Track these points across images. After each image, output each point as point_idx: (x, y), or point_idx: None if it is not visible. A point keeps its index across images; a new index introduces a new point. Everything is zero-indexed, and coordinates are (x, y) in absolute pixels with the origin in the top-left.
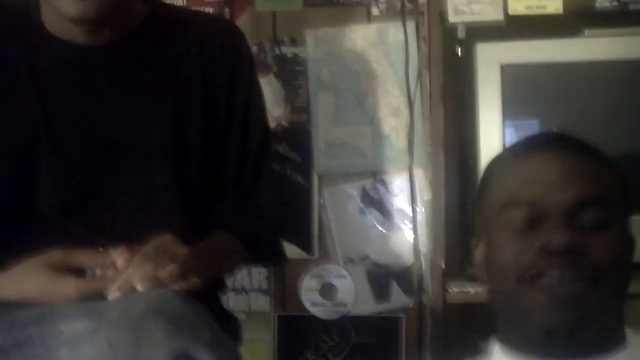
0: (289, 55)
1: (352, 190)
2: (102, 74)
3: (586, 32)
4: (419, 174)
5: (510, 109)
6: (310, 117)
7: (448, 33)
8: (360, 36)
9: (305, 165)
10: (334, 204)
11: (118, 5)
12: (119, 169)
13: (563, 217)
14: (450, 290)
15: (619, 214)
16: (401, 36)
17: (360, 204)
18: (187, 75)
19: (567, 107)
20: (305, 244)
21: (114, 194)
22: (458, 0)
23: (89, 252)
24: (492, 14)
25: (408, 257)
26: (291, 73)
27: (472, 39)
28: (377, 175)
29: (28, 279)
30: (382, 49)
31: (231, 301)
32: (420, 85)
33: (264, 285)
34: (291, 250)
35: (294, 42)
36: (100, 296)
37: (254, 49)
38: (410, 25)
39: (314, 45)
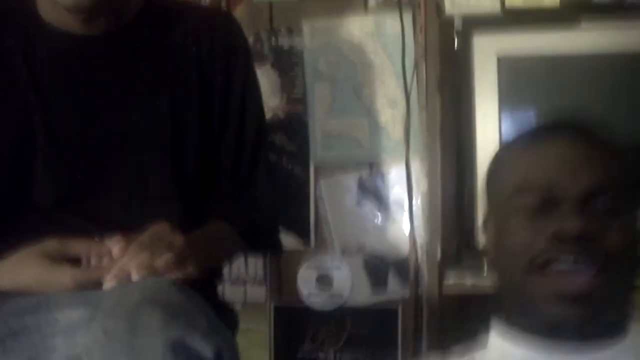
0: (286, 45)
1: (349, 180)
2: (98, 64)
3: (583, 23)
4: (416, 165)
5: (507, 100)
6: (307, 108)
7: (445, 24)
8: (357, 27)
9: (301, 156)
10: (331, 195)
11: None
12: (115, 159)
13: (576, 203)
14: (446, 280)
15: (630, 204)
16: (398, 27)
17: (357, 195)
18: (184, 65)
19: (564, 98)
20: (302, 233)
21: (110, 183)
22: None
23: (84, 242)
24: (489, 5)
25: (404, 247)
26: (288, 64)
27: (469, 31)
28: (373, 166)
29: (24, 269)
30: (379, 40)
31: (227, 291)
32: (417, 76)
33: (260, 276)
34: (287, 240)
35: (290, 33)
36: (96, 285)
37: (251, 39)
38: (407, 17)
39: (310, 35)
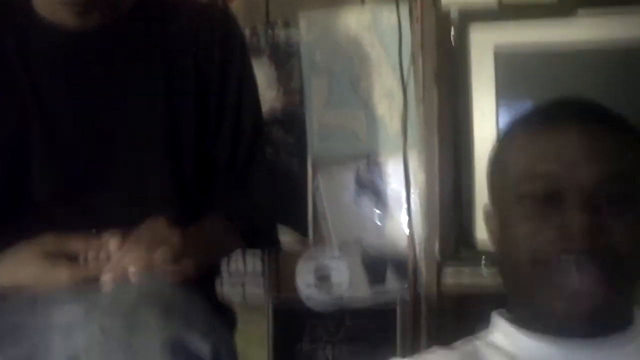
0: (282, 38)
1: (346, 173)
2: (93, 58)
3: (580, 16)
4: (413, 157)
5: (504, 90)
6: (304, 101)
7: (441, 17)
8: (354, 19)
9: (299, 149)
10: (329, 188)
11: None
12: (111, 155)
13: (583, 195)
14: (444, 276)
15: None
16: (394, 19)
17: (355, 189)
18: (179, 59)
19: (561, 88)
20: (299, 229)
21: (107, 179)
22: None
23: (81, 237)
24: None
25: (402, 241)
26: (284, 56)
27: (466, 23)
28: (371, 158)
29: (21, 265)
30: (375, 32)
31: (226, 288)
32: (414, 68)
33: (259, 274)
34: (285, 236)
35: (287, 25)
36: (93, 281)
37: (247, 32)
38: (404, 8)
39: (307, 28)
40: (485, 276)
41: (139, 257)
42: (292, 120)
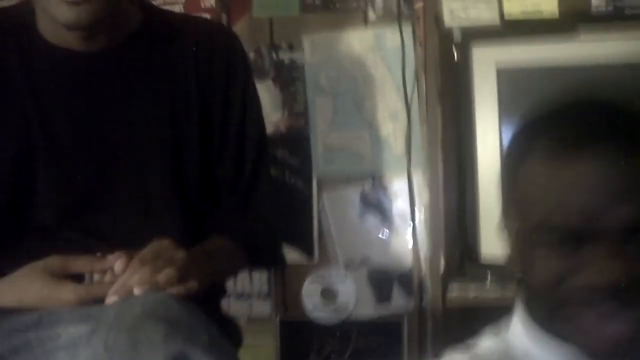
0: (287, 60)
1: (352, 194)
2: (97, 80)
3: (582, 34)
4: (418, 177)
5: (507, 111)
6: (309, 122)
7: (444, 37)
8: (357, 41)
9: (304, 170)
10: (334, 208)
11: (112, 11)
12: (115, 175)
13: (615, 239)
14: (450, 292)
15: None
16: (398, 40)
17: (360, 208)
18: (183, 81)
19: None
20: (305, 248)
21: (111, 200)
22: (454, 4)
23: (86, 258)
24: (487, 17)
25: (408, 260)
26: (289, 78)
27: (468, 42)
28: (376, 179)
29: (27, 286)
30: (379, 53)
31: (232, 306)
32: (418, 88)
33: (265, 291)
34: (292, 255)
35: (291, 48)
36: (98, 301)
37: (252, 54)
38: (407, 30)
39: (311, 50)
40: (490, 291)
41: (144, 277)
42: (297, 141)
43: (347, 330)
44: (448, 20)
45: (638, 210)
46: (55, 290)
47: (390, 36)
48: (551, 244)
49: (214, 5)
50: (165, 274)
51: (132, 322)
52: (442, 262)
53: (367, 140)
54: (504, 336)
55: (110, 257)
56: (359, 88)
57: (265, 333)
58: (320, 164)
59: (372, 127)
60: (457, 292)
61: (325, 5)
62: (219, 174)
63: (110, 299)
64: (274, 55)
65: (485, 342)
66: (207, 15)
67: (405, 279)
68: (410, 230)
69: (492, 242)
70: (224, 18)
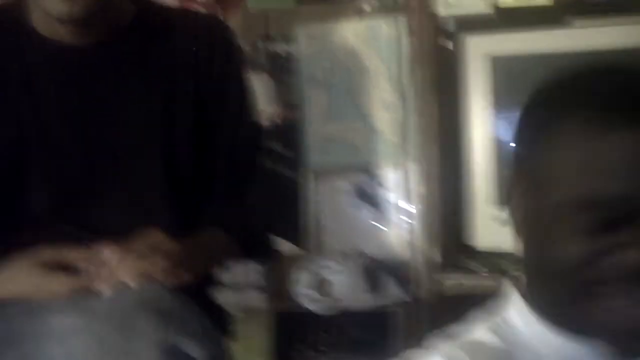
0: (281, 52)
1: (346, 185)
2: (90, 73)
3: (576, 22)
4: (413, 168)
5: (501, 100)
6: (303, 114)
7: (438, 27)
8: (352, 32)
9: (298, 162)
10: (328, 200)
11: (105, 4)
12: (108, 168)
13: None
14: (445, 283)
15: None
16: (392, 31)
17: (355, 199)
18: (176, 74)
19: None
20: (299, 239)
21: (103, 192)
22: None
23: (79, 249)
24: (481, 6)
25: (403, 251)
26: (283, 70)
27: (462, 32)
28: (370, 170)
29: (19, 277)
30: (373, 44)
31: (226, 297)
32: (412, 79)
33: (259, 282)
34: (286, 246)
35: (285, 40)
36: (90, 292)
37: (246, 47)
38: (401, 20)
39: (305, 42)
40: (484, 281)
41: (134, 267)
42: (292, 133)
43: (341, 321)
44: (442, 9)
45: None
46: (47, 282)
47: (385, 27)
48: (584, 222)
49: None
50: (157, 265)
51: (124, 312)
52: (437, 253)
53: (361, 131)
54: (498, 324)
55: (102, 249)
56: (353, 79)
57: (258, 324)
58: (315, 156)
59: (366, 118)
60: (452, 283)
61: None
62: (212, 167)
63: (102, 290)
64: (268, 47)
65: (478, 331)
66: (202, 8)
67: (400, 271)
68: (404, 220)
69: (487, 232)
70: (218, 10)
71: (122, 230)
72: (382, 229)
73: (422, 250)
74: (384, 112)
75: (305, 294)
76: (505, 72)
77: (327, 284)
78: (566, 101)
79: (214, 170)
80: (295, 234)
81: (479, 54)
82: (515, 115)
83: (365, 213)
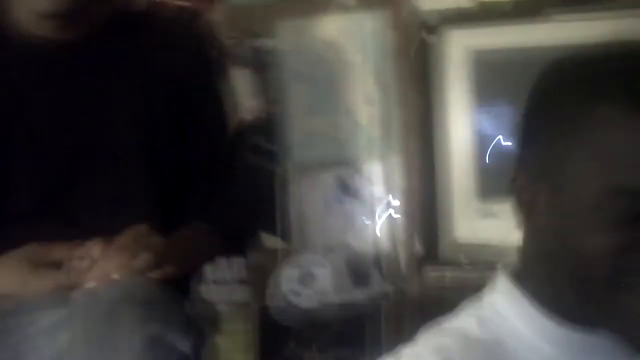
0: (264, 47)
1: (329, 179)
2: (71, 70)
3: (557, 15)
4: (396, 162)
5: (482, 94)
6: (286, 108)
7: (419, 20)
8: (334, 26)
9: (280, 156)
10: (311, 194)
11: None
12: (92, 164)
13: None
14: (427, 275)
15: None
16: (373, 25)
17: (337, 193)
18: (155, 70)
19: None
20: (282, 233)
21: (87, 188)
22: None
23: (64, 245)
24: (463, 0)
25: (386, 244)
26: (265, 65)
27: (444, 26)
28: (353, 164)
29: (5, 274)
30: (355, 39)
31: (211, 292)
32: (394, 73)
33: (244, 276)
34: (270, 240)
35: (267, 34)
36: (76, 288)
37: (228, 42)
38: (383, 15)
39: (287, 37)
40: (466, 273)
41: (121, 263)
42: (275, 127)
43: (326, 316)
44: (422, 3)
45: None
46: (33, 278)
47: (366, 21)
48: (612, 213)
49: None
50: (142, 260)
51: (110, 305)
52: (420, 246)
53: (344, 125)
54: (487, 316)
55: (88, 244)
56: (335, 74)
57: (243, 318)
58: (297, 150)
59: (348, 112)
60: (435, 274)
61: None
62: (194, 161)
63: (89, 285)
64: (250, 42)
65: (468, 323)
66: (183, 1)
67: (384, 263)
68: (386, 214)
69: (469, 225)
70: (201, 4)
71: (108, 227)
72: (365, 223)
73: (405, 244)
74: (366, 106)
75: (289, 288)
76: (488, 65)
77: (312, 278)
78: (588, 90)
79: (198, 165)
80: (278, 228)
81: (460, 47)
82: (496, 108)
83: (347, 206)
